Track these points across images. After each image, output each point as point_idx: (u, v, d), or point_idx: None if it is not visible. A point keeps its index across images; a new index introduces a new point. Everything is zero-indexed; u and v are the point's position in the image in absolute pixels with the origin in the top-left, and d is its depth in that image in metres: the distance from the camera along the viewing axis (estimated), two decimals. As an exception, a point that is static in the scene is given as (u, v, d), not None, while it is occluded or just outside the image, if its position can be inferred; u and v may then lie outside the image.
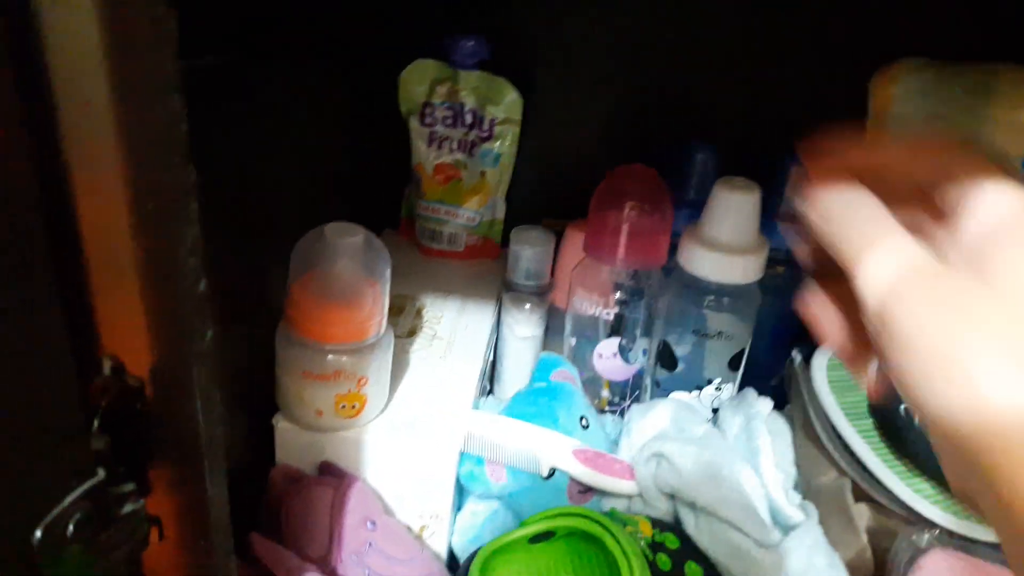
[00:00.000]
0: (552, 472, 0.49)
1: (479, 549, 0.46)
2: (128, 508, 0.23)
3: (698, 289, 0.57)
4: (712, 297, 0.57)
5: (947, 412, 0.23)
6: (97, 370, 0.24)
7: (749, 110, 0.64)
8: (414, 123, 0.64)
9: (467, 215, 0.66)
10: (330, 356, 0.45)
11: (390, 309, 0.59)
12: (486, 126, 0.63)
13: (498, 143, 0.64)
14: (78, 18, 0.19)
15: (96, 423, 0.23)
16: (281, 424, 0.47)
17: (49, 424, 0.21)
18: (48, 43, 0.20)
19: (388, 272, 0.46)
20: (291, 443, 0.48)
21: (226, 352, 0.46)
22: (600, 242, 0.55)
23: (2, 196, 0.19)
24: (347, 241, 0.44)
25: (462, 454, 0.49)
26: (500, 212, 0.67)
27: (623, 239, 0.54)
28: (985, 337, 0.22)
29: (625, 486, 0.50)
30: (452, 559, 0.51)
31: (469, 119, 0.63)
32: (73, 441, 0.22)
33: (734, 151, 0.62)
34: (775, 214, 0.59)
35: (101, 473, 0.22)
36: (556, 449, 0.49)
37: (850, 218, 0.27)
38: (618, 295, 0.56)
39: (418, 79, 0.63)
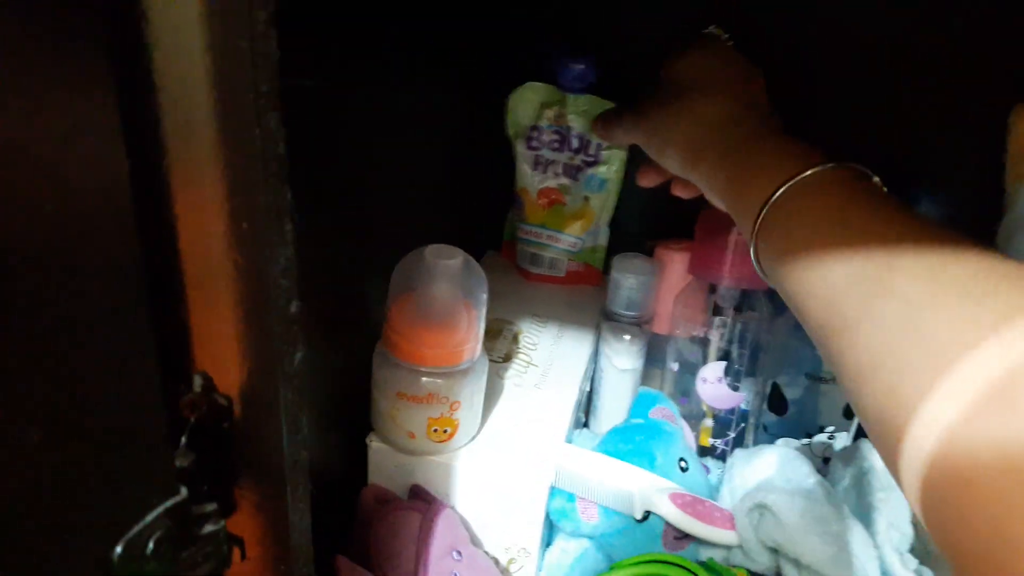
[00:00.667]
0: (647, 515, 0.47)
1: (566, 590, 0.44)
2: (209, 528, 0.23)
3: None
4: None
5: None
6: (188, 386, 0.24)
7: (877, 135, 0.60)
8: (520, 146, 0.63)
9: (569, 240, 0.64)
10: (424, 379, 0.44)
11: (487, 333, 0.58)
12: (592, 150, 0.62)
13: (604, 168, 0.62)
14: (183, 37, 0.19)
15: (183, 440, 0.23)
16: (374, 444, 0.47)
17: (137, 438, 0.21)
18: (154, 61, 0.20)
19: (485, 296, 0.45)
20: (383, 464, 0.47)
21: (325, 368, 0.46)
22: (706, 263, 0.52)
23: (103, 210, 0.19)
24: (446, 263, 0.43)
25: (553, 488, 0.47)
26: (603, 239, 0.65)
27: (728, 258, 0.51)
28: None
29: (724, 536, 0.47)
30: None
31: (576, 143, 0.62)
32: (159, 457, 0.22)
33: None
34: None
35: (184, 491, 0.22)
36: (652, 491, 0.47)
37: None
38: (725, 317, 0.53)
39: (526, 102, 0.62)
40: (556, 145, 0.62)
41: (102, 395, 0.20)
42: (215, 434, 0.24)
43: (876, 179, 0.37)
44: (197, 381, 0.24)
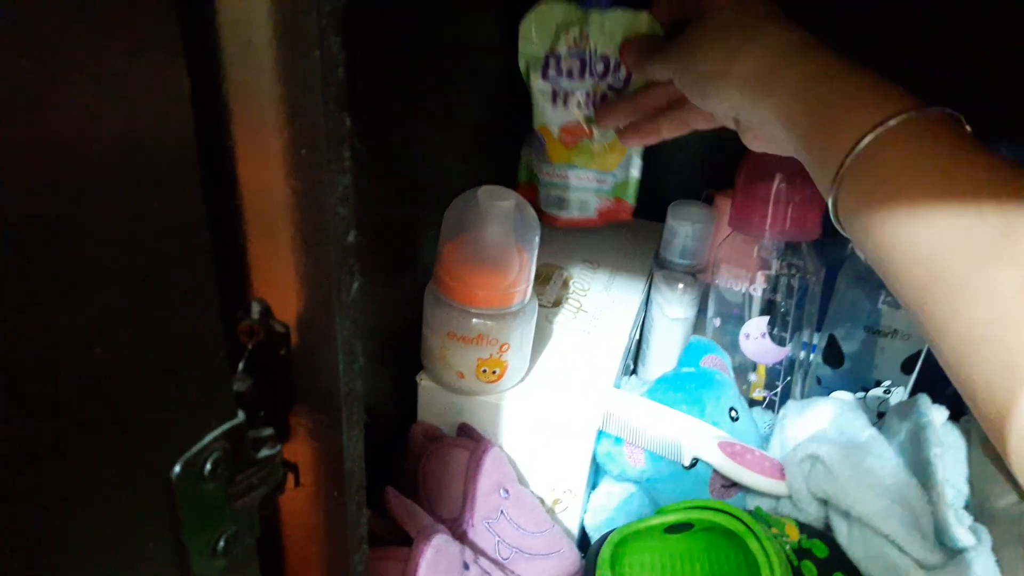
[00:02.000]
0: (695, 462, 0.47)
1: (612, 532, 0.44)
2: (265, 452, 0.23)
3: (875, 281, 0.52)
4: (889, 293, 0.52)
5: None
6: (246, 312, 0.24)
7: (951, 75, 0.57)
8: (535, 79, 0.55)
9: (600, 178, 0.58)
10: (475, 320, 0.44)
11: (537, 277, 0.58)
12: (623, 73, 0.54)
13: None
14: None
15: (241, 365, 0.24)
16: (424, 382, 0.48)
17: (196, 361, 0.22)
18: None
19: (537, 239, 0.45)
20: (432, 402, 0.48)
21: (378, 303, 0.47)
22: (748, 214, 0.51)
23: (165, 128, 0.19)
24: (498, 205, 0.43)
25: (600, 432, 0.47)
26: (636, 170, 0.58)
27: (771, 210, 0.50)
28: None
29: (773, 486, 0.47)
30: (584, 538, 0.50)
31: (600, 67, 0.54)
32: (217, 380, 0.22)
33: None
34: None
35: (241, 415, 0.22)
36: (701, 439, 0.46)
37: None
38: (769, 271, 0.52)
39: (542, 25, 0.53)
40: (576, 73, 0.54)
41: (163, 317, 0.20)
42: (272, 361, 0.24)
43: (968, 127, 0.34)
44: (255, 307, 0.24)
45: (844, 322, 0.54)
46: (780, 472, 0.47)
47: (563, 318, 0.54)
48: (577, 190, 0.59)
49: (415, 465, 0.45)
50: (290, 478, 0.27)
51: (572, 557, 0.43)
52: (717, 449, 0.46)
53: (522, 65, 0.55)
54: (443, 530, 0.38)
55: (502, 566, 0.42)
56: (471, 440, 0.45)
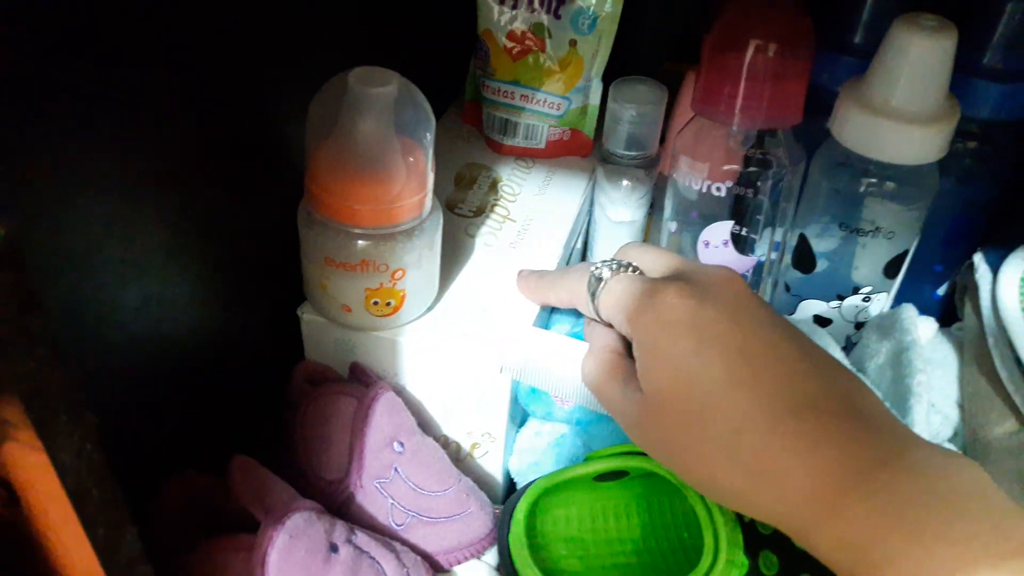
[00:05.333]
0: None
1: (531, 483, 0.38)
2: None
3: (855, 170, 0.43)
4: (873, 181, 0.43)
5: None
6: None
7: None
8: None
9: (550, 101, 0.50)
10: (358, 242, 0.36)
11: (458, 180, 0.49)
12: None
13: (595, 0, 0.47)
14: None
15: None
16: (306, 316, 0.40)
17: None
18: None
19: (431, 136, 0.36)
20: (320, 338, 0.40)
21: (244, 228, 0.39)
22: (715, 94, 0.42)
23: None
24: (376, 92, 0.34)
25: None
26: (595, 96, 0.50)
27: (743, 88, 0.41)
28: None
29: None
30: (509, 485, 0.44)
31: None
32: None
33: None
34: (976, 68, 0.43)
35: None
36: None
37: None
38: (737, 166, 0.43)
39: None
40: None
41: None
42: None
43: None
44: None
45: (818, 218, 0.46)
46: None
47: (487, 230, 0.46)
48: (523, 112, 0.50)
49: (294, 414, 0.38)
50: (2, 495, 0.19)
51: (482, 518, 0.37)
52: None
53: None
54: (303, 507, 0.31)
55: (393, 535, 0.35)
56: (360, 385, 0.38)
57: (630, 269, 0.35)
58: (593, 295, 0.35)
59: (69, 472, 0.19)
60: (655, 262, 0.35)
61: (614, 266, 0.35)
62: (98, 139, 0.28)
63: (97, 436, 0.19)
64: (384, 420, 0.36)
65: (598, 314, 0.35)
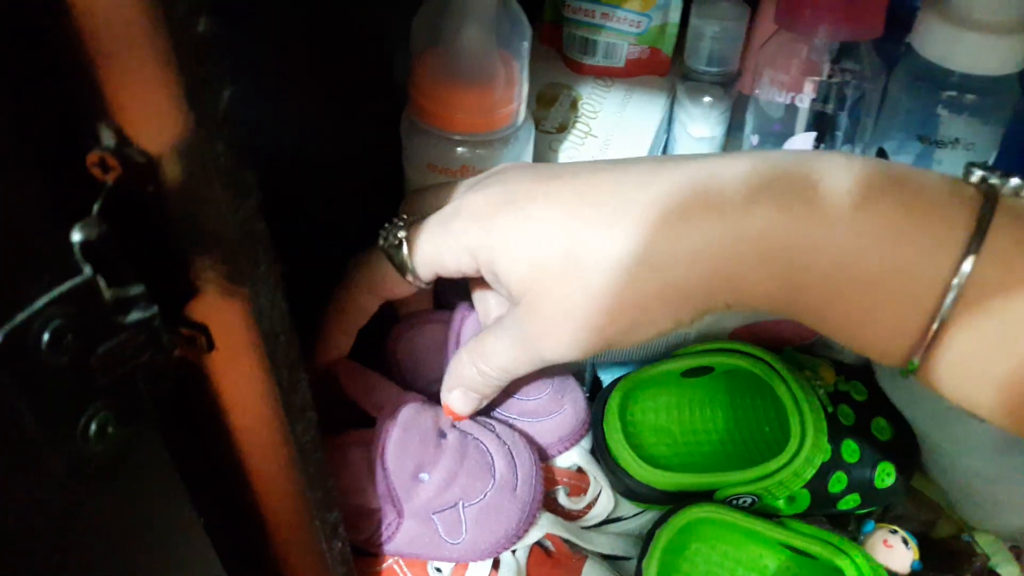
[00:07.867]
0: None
1: (622, 377, 0.40)
2: (136, 316, 0.18)
3: (934, 81, 0.44)
4: (953, 92, 0.44)
5: None
6: (95, 140, 0.18)
7: None
8: None
9: (630, 18, 0.50)
10: (458, 149, 0.38)
11: (540, 99, 0.51)
12: None
13: None
14: None
15: (96, 206, 0.18)
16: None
17: (20, 208, 0.17)
18: None
19: (527, 45, 0.38)
20: (419, 245, 0.43)
21: (349, 139, 0.41)
22: (797, 6, 0.42)
23: None
24: (476, 4, 0.35)
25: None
26: (675, 14, 0.50)
27: (824, 1, 0.41)
28: None
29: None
30: (595, 382, 0.46)
31: None
32: (41, 227, 0.17)
33: None
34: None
35: (88, 271, 0.17)
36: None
37: None
38: (820, 79, 0.44)
39: None
40: None
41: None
42: (139, 201, 0.19)
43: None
44: (105, 133, 0.18)
45: (896, 132, 0.46)
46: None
47: (570, 145, 0.48)
48: (603, 30, 0.51)
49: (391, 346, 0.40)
50: (203, 341, 0.22)
51: (574, 413, 0.39)
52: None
53: None
54: (410, 399, 0.34)
55: (494, 418, 0.38)
56: (444, 311, 0.40)
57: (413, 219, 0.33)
58: (402, 265, 0.33)
59: (265, 317, 0.21)
60: (424, 200, 0.35)
61: (400, 224, 0.33)
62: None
63: (283, 285, 0.22)
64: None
65: (417, 275, 0.33)
